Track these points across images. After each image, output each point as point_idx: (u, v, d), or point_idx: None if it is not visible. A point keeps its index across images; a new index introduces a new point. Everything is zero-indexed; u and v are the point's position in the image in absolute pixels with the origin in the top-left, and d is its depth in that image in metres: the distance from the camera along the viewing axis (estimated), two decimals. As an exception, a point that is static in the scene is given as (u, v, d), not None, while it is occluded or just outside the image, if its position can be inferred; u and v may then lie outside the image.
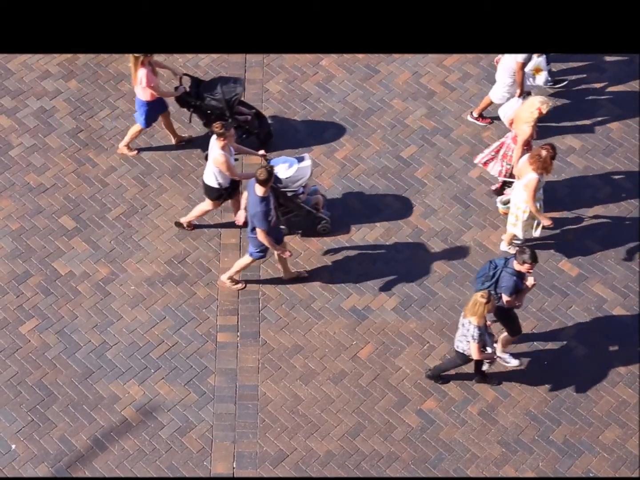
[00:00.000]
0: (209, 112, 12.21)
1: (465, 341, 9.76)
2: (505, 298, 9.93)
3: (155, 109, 12.15)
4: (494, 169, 11.75)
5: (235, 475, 10.16)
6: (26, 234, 11.93)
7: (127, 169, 12.54)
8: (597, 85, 13.37)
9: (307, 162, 11.52)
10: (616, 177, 12.46)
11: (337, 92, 13.36)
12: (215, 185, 11.26)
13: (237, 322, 11.21)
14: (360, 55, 13.72)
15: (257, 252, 10.94)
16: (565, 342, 11.05)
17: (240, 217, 11.15)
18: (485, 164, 11.82)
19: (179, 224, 11.87)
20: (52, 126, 12.97)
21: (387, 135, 12.88)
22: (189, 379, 10.80)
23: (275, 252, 11.00)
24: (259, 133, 12.50)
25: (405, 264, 11.67)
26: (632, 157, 12.63)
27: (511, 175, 11.60)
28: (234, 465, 10.22)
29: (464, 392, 10.71)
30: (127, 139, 12.52)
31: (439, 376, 10.63)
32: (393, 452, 10.31)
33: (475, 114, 12.93)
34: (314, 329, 11.18)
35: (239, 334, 11.14)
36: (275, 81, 13.48)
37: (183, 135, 12.78)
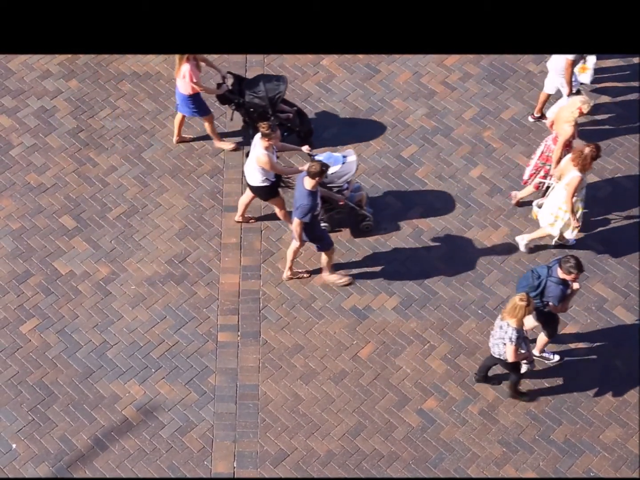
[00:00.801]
0: (251, 109, 12.20)
1: (502, 344, 9.76)
2: (553, 306, 9.98)
3: (197, 99, 12.09)
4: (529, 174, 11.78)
5: (235, 475, 10.16)
6: (27, 234, 11.93)
7: (127, 169, 12.54)
8: (598, 85, 13.37)
9: (352, 158, 11.53)
10: (617, 176, 12.46)
11: (337, 92, 13.37)
12: (263, 183, 11.22)
13: (238, 321, 11.21)
14: (360, 55, 13.72)
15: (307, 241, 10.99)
16: (566, 342, 11.04)
17: None
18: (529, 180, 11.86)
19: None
20: (53, 126, 12.97)
21: (388, 135, 12.88)
22: (190, 378, 10.80)
23: (293, 244, 11.04)
24: (300, 130, 12.49)
25: (405, 263, 11.67)
26: (632, 156, 12.63)
27: (545, 177, 11.60)
28: (235, 465, 10.22)
29: (464, 392, 10.71)
30: (213, 137, 12.55)
31: (487, 377, 10.60)
32: (394, 451, 10.31)
33: (536, 114, 12.93)
34: (314, 328, 11.19)
35: (239, 333, 11.14)
36: (275, 81, 13.48)
37: (185, 136, 12.77)
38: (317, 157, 11.34)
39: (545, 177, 11.63)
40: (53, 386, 10.73)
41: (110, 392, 10.69)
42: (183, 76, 11.75)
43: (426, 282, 11.53)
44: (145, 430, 10.44)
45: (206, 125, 12.42)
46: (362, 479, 10.13)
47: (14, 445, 10.35)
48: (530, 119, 12.97)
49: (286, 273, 11.43)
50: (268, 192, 11.38)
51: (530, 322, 10.44)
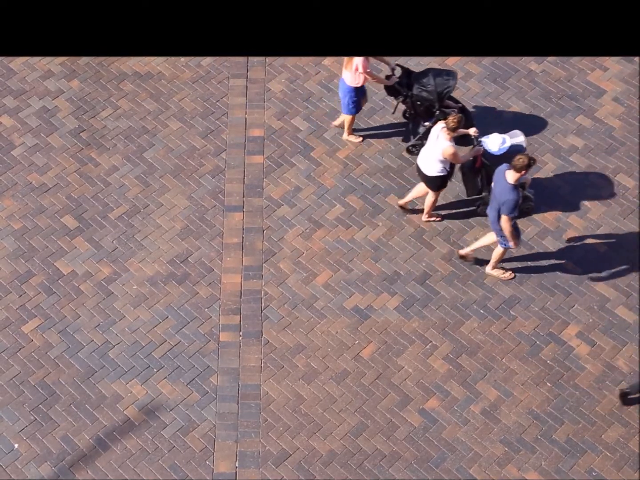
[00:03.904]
0: (418, 103, 12.18)
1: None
2: None
3: (360, 94, 12.18)
4: None
5: (237, 475, 10.16)
6: (28, 234, 11.94)
7: (129, 169, 12.55)
8: (599, 84, 13.37)
9: (520, 138, 11.54)
10: (618, 175, 12.45)
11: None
12: (440, 173, 11.28)
13: (240, 321, 11.21)
14: (362, 55, 13.72)
15: (507, 240, 10.98)
16: (567, 341, 11.05)
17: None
18: None
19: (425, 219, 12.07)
20: (55, 126, 12.98)
21: (389, 134, 12.88)
22: (192, 378, 10.81)
23: (509, 242, 11.03)
24: (464, 127, 12.44)
25: (407, 263, 11.67)
26: (634, 155, 12.62)
27: None
28: (237, 465, 10.23)
29: (466, 391, 10.71)
30: (346, 130, 12.63)
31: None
32: (395, 451, 10.31)
33: None
34: (316, 328, 11.19)
35: (241, 333, 11.14)
36: (277, 80, 13.49)
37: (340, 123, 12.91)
38: (484, 139, 11.45)
39: None
40: (55, 386, 10.74)
41: (112, 392, 10.70)
42: (355, 68, 11.78)
43: (428, 281, 11.53)
44: (147, 430, 10.44)
45: (347, 117, 12.49)
46: None
47: (16, 445, 10.36)
48: None
49: (488, 269, 11.48)
50: (442, 183, 11.48)
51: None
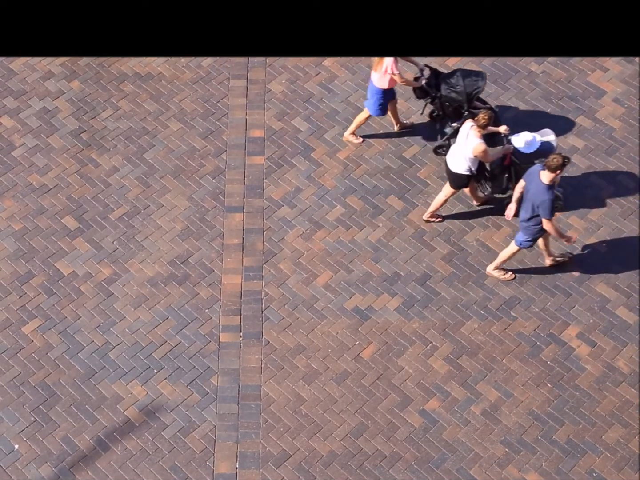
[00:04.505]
0: (447, 104, 12.19)
1: None
2: None
3: (388, 97, 12.20)
4: None
5: (238, 476, 10.16)
6: (29, 235, 11.94)
7: (129, 170, 12.55)
8: (600, 85, 13.37)
9: (551, 137, 11.56)
10: (619, 176, 12.45)
11: (339, 92, 13.36)
12: (466, 172, 11.30)
13: (240, 322, 11.21)
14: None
15: (528, 241, 10.92)
16: (568, 342, 11.04)
17: (510, 212, 11.08)
18: None
19: (427, 221, 12.06)
20: (55, 126, 12.98)
21: (390, 135, 12.88)
22: (192, 379, 10.80)
23: (556, 239, 11.09)
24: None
25: (408, 264, 11.67)
26: (634, 156, 12.62)
27: None
28: (237, 466, 10.23)
29: (466, 392, 10.71)
30: (353, 126, 12.62)
31: None
32: (396, 452, 10.31)
33: None
34: (316, 329, 11.19)
35: (241, 334, 11.14)
36: (277, 81, 13.49)
37: (405, 122, 12.88)
38: (514, 137, 11.46)
39: None
40: (55, 387, 10.74)
41: (113, 393, 10.69)
42: (385, 70, 11.79)
43: (428, 282, 11.53)
44: (148, 431, 10.44)
45: (362, 117, 12.50)
46: (365, 480, 10.15)
47: (16, 446, 10.36)
48: None
49: (490, 268, 11.49)
50: (464, 183, 11.50)
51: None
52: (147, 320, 11.23)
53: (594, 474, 10.14)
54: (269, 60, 13.71)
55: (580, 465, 10.22)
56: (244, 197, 12.22)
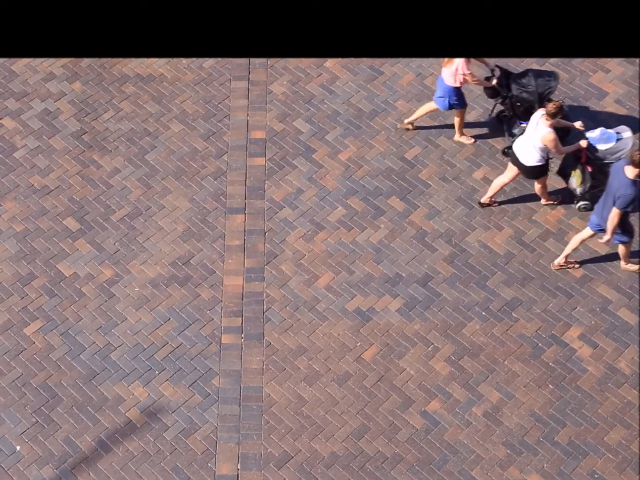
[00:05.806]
0: (518, 104, 12.16)
1: None
2: None
3: (461, 92, 12.17)
4: None
5: (239, 477, 10.16)
6: (30, 236, 11.95)
7: (131, 171, 12.55)
8: (601, 86, 13.36)
9: (628, 134, 11.56)
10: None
11: (341, 94, 13.37)
12: (539, 163, 11.28)
13: (242, 323, 11.21)
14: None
15: (622, 234, 10.93)
16: (570, 343, 11.03)
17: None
18: None
19: (484, 205, 12.09)
20: (56, 128, 12.99)
21: (391, 137, 12.88)
22: (193, 380, 10.80)
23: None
24: (564, 128, 12.32)
25: (409, 265, 11.67)
26: (636, 158, 12.61)
27: None
28: (239, 467, 10.22)
29: (468, 394, 10.70)
30: (458, 130, 12.62)
31: None
32: (397, 453, 10.30)
33: None
34: (318, 330, 11.18)
35: (243, 335, 11.14)
36: (279, 83, 13.49)
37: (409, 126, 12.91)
38: (589, 133, 11.45)
39: None
40: (57, 388, 10.74)
41: (114, 394, 10.69)
42: (455, 69, 11.80)
43: (430, 283, 11.53)
44: (149, 432, 10.44)
45: (457, 119, 12.51)
46: (366, 481, 10.14)
47: (17, 447, 10.36)
48: None
49: (558, 260, 11.46)
50: (542, 171, 11.49)
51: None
52: (149, 322, 11.24)
53: (596, 476, 10.14)
54: (271, 61, 13.71)
55: (582, 466, 10.21)
56: (245, 199, 12.23)
